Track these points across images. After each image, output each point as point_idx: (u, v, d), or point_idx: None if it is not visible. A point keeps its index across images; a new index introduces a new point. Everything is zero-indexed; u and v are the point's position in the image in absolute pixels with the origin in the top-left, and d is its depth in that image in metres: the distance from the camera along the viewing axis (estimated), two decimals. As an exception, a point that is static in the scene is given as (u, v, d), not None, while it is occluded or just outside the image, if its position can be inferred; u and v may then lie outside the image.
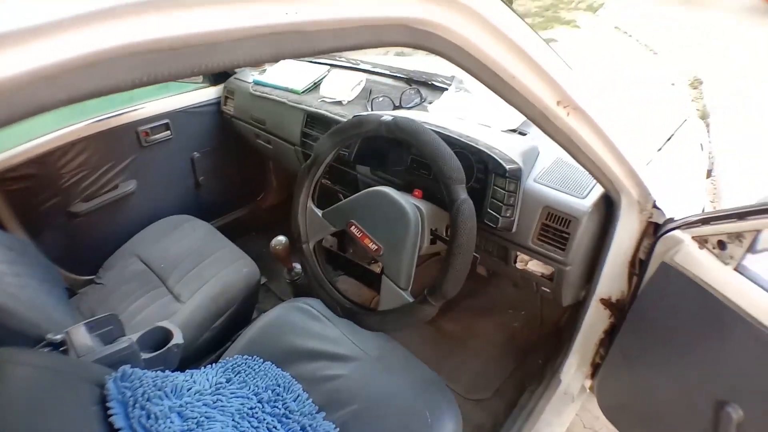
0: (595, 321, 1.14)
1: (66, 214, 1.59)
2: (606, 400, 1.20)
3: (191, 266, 1.44)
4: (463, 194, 0.86)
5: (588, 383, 1.28)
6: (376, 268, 1.22)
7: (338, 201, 1.06)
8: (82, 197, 1.62)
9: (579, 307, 1.17)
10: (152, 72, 0.32)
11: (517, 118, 1.20)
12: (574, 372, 1.27)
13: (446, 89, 1.38)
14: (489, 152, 1.02)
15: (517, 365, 1.57)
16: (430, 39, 0.48)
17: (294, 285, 1.42)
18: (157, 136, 1.73)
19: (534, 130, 1.18)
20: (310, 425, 0.93)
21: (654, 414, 1.08)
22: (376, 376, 1.05)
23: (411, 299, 0.94)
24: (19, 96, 0.27)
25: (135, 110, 1.67)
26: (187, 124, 1.82)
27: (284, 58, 0.40)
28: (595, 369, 1.24)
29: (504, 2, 0.52)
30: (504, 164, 1.00)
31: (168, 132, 1.76)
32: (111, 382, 0.80)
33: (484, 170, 1.04)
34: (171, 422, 0.77)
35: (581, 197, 0.99)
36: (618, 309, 1.09)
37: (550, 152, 1.10)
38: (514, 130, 1.20)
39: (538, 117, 0.68)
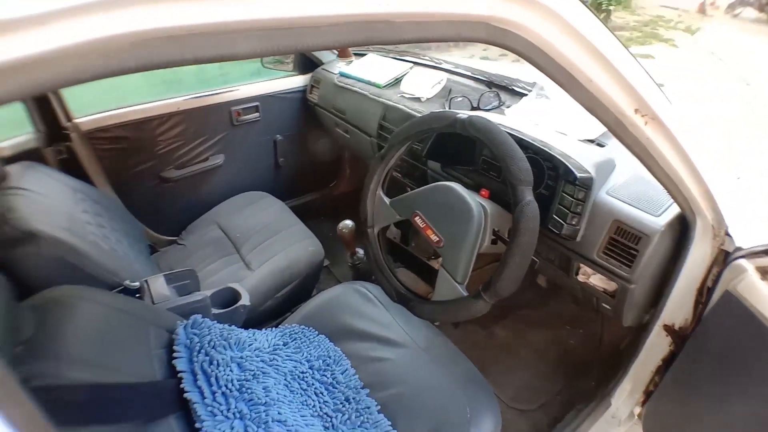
0: (655, 347, 1.10)
1: (158, 178, 1.76)
2: (652, 428, 1.15)
3: (263, 239, 1.55)
4: (528, 196, 0.86)
5: (638, 410, 1.23)
6: (436, 264, 1.25)
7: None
8: (175, 165, 1.78)
9: (641, 331, 1.13)
10: (266, 46, 0.38)
11: (596, 129, 1.18)
12: (626, 397, 1.22)
13: (526, 95, 1.38)
14: (561, 158, 1.01)
15: (568, 383, 1.53)
16: (508, 37, 0.51)
17: (355, 269, 1.48)
18: (247, 117, 1.87)
19: (613, 143, 1.16)
20: (353, 398, 0.97)
21: None
22: (422, 365, 1.08)
23: (465, 294, 0.96)
24: (150, 50, 0.33)
25: (230, 91, 1.82)
26: (274, 108, 1.95)
27: (372, 44, 0.44)
28: (647, 396, 1.19)
29: (585, 5, 0.53)
30: (575, 171, 0.99)
31: (257, 114, 1.89)
32: (181, 328, 0.89)
33: (554, 177, 1.04)
34: (230, 371, 0.84)
35: (655, 215, 0.96)
36: (680, 337, 1.05)
37: (628, 166, 1.07)
38: (592, 141, 1.17)
39: (613, 124, 0.67)
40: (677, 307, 1.01)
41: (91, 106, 1.60)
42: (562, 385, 1.53)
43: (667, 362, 1.10)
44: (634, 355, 1.15)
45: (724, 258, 0.92)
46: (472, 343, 1.63)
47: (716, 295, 0.92)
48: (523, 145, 1.04)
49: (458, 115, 0.98)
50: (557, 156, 1.02)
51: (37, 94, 0.40)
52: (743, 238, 0.90)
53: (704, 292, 0.97)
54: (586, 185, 0.99)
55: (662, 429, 1.13)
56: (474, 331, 1.68)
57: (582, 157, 1.03)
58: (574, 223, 1.01)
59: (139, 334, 0.83)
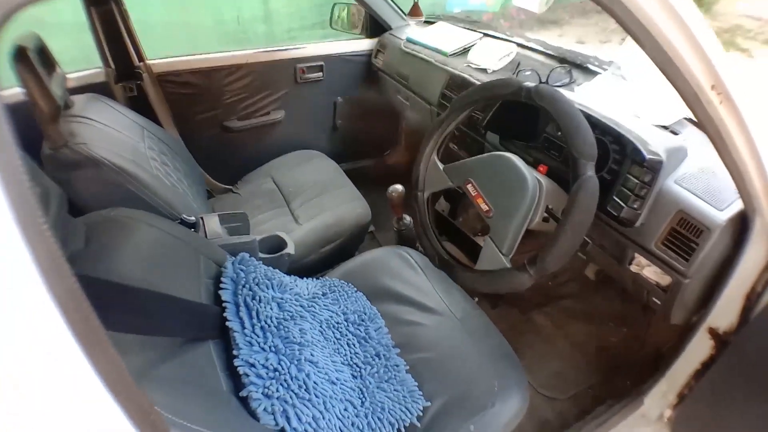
0: (696, 349, 1.06)
1: (221, 127, 1.83)
2: None
3: (313, 195, 1.58)
4: (590, 171, 0.83)
5: (668, 413, 1.19)
6: (481, 242, 1.23)
7: None
8: (238, 116, 1.84)
9: (685, 333, 1.08)
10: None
11: (671, 115, 1.10)
12: (659, 398, 1.18)
13: (600, 73, 1.31)
14: (630, 137, 0.96)
15: (603, 380, 1.48)
16: None
17: (399, 234, 1.48)
18: (311, 75, 1.89)
19: (687, 132, 1.09)
20: (384, 355, 0.99)
21: None
22: (455, 334, 1.07)
23: (509, 266, 0.94)
24: None
25: (297, 48, 1.84)
26: (338, 70, 1.96)
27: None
28: (680, 400, 1.15)
29: None
30: (644, 152, 0.93)
31: (320, 74, 1.91)
32: (229, 262, 0.93)
33: (620, 159, 0.98)
34: (271, 309, 0.87)
35: (719, 209, 0.90)
36: (722, 341, 1.00)
37: (700, 158, 1.00)
38: (666, 127, 1.10)
39: (691, 97, 0.65)
40: (724, 311, 0.97)
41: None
42: (596, 381, 1.49)
43: (706, 366, 1.05)
44: (675, 356, 1.11)
45: None
46: (509, 325, 1.60)
47: (764, 300, 0.88)
48: (591, 122, 0.99)
49: (524, 83, 0.94)
50: (626, 135, 0.97)
51: None
52: None
53: (753, 297, 0.92)
54: (654, 168, 0.94)
55: None
56: (513, 314, 1.66)
57: (653, 140, 0.97)
58: (635, 207, 0.96)
59: (191, 262, 0.88)
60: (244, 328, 0.80)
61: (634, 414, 1.20)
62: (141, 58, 1.58)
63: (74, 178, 1.03)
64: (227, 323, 0.79)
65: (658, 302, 1.05)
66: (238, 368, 0.74)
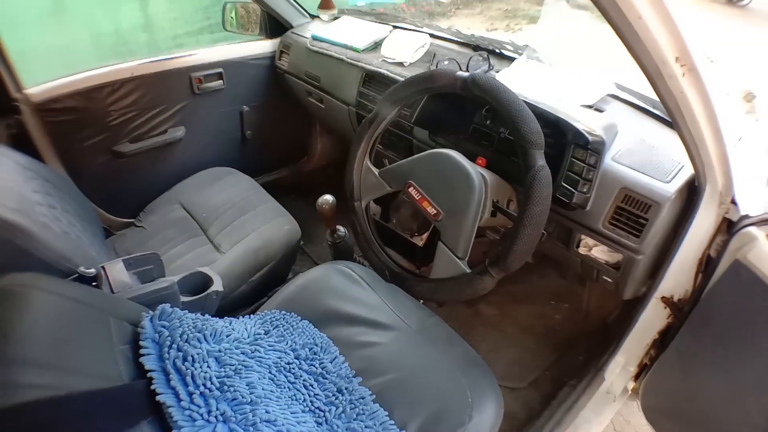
0: (651, 320, 1.06)
1: (111, 153, 1.58)
2: (650, 402, 1.13)
3: (233, 218, 1.42)
4: (541, 160, 0.79)
5: (631, 385, 1.21)
6: (419, 241, 1.16)
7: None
8: (129, 138, 1.61)
9: (635, 304, 1.09)
10: None
11: (594, 94, 1.10)
12: (619, 371, 1.19)
13: (515, 59, 1.29)
14: (570, 121, 0.93)
15: (556, 359, 1.49)
16: None
17: (335, 248, 1.37)
18: (209, 85, 1.70)
19: (611, 108, 1.09)
20: (346, 388, 0.88)
21: (702, 421, 1.01)
22: (416, 348, 1.00)
23: (467, 269, 0.88)
24: None
25: (190, 55, 1.65)
26: (239, 76, 1.79)
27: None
28: (641, 370, 1.16)
29: None
30: (586, 134, 0.91)
31: (221, 82, 1.73)
32: (147, 320, 0.77)
33: (560, 143, 0.95)
34: (208, 367, 0.73)
35: (665, 181, 0.90)
36: (678, 309, 1.01)
37: (630, 131, 1.01)
38: (590, 107, 1.10)
39: (652, 71, 0.62)
40: (677, 278, 0.98)
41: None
42: (550, 361, 1.50)
43: (663, 335, 1.07)
44: (627, 329, 1.12)
45: (727, 226, 0.88)
46: (459, 322, 1.57)
47: (723, 265, 0.89)
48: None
49: (458, 73, 0.88)
50: (564, 119, 0.94)
51: None
52: (748, 205, 0.87)
53: (704, 261, 0.94)
54: (598, 150, 0.92)
55: (661, 402, 1.11)
56: (459, 310, 1.62)
57: (588, 121, 0.95)
58: (585, 190, 0.93)
59: (99, 328, 0.70)
60: (180, 400, 0.65)
61: (598, 392, 1.20)
62: (19, 88, 1.34)
63: None
64: (158, 397, 0.64)
65: (609, 280, 1.05)
66: (182, 454, 0.60)
